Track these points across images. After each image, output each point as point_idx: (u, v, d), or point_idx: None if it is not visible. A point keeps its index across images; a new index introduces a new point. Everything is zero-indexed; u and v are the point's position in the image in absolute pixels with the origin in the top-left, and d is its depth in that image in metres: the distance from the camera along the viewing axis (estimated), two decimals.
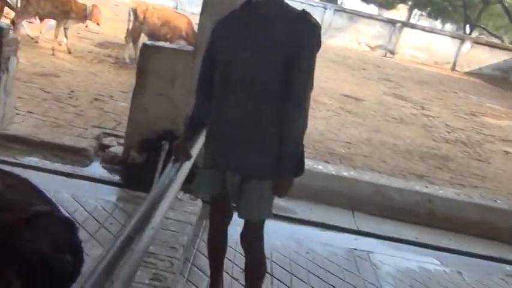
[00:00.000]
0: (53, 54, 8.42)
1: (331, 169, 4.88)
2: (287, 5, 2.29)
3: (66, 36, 9.06)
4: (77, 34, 11.17)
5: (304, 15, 2.24)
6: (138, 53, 9.27)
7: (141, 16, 9.08)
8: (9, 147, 4.42)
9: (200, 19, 4.36)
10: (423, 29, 23.20)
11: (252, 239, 2.51)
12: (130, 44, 9.33)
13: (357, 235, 4.25)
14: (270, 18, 2.22)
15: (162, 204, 2.41)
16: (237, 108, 2.27)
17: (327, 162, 5.41)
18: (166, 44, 5.04)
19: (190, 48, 4.63)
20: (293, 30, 2.19)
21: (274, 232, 3.56)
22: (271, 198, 2.41)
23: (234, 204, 2.52)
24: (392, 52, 22.18)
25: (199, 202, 3.75)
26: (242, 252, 2.65)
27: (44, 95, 6.00)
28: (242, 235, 2.55)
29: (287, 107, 2.23)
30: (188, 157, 2.59)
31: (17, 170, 3.76)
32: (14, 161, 4.18)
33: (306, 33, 2.22)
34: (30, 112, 5.25)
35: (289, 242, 3.77)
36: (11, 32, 4.49)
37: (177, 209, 3.41)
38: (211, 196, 2.64)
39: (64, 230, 2.69)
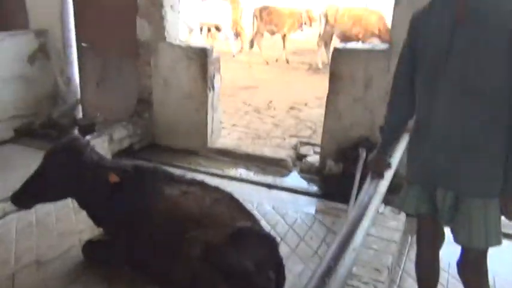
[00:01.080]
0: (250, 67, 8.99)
1: None
2: None
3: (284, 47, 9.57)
4: (269, 44, 11.76)
5: None
6: (329, 56, 9.40)
7: (332, 19, 9.03)
8: (217, 159, 4.80)
9: (394, 13, 4.02)
10: None
11: (474, 271, 2.12)
12: (323, 48, 9.38)
13: None
14: (483, 9, 1.84)
15: (362, 223, 2.22)
16: (451, 114, 1.93)
17: None
18: (358, 45, 4.80)
19: (384, 46, 4.31)
20: None
21: (495, 253, 3.01)
22: (499, 221, 1.99)
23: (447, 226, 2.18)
24: None
25: (402, 216, 3.42)
26: (457, 277, 2.28)
27: (245, 108, 6.39)
28: (460, 264, 2.17)
29: None
30: (383, 175, 2.36)
31: (223, 181, 4.09)
32: (221, 173, 4.50)
33: None
34: (235, 125, 5.64)
35: None
36: (214, 52, 4.85)
37: (378, 224, 3.16)
38: (419, 214, 2.30)
39: (266, 246, 2.70)
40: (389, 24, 8.65)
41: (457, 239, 2.09)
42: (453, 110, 1.93)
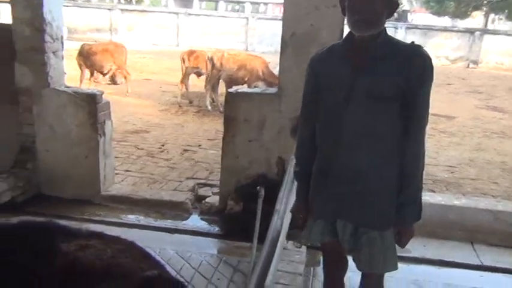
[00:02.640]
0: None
1: (439, 198, 4.48)
2: (397, 40, 2.11)
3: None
4: (159, 88, 11.78)
5: (418, 49, 2.03)
6: (217, 98, 9.65)
7: (218, 63, 9.32)
8: (113, 207, 4.58)
9: (281, 60, 4.30)
10: (506, 34, 21.81)
11: None
12: (210, 92, 9.59)
13: (481, 271, 3.80)
14: (381, 57, 2.01)
15: (274, 260, 2.28)
16: (349, 154, 2.07)
17: (432, 191, 5.02)
18: (251, 90, 5.04)
19: (273, 90, 4.56)
20: (408, 67, 1.97)
21: (390, 276, 3.26)
22: (395, 248, 2.18)
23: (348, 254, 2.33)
24: (475, 62, 21.05)
25: (303, 249, 3.57)
26: None
27: (137, 152, 6.24)
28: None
29: (407, 146, 2.03)
30: (306, 220, 2.38)
31: (122, 230, 3.91)
32: (118, 221, 4.30)
33: (423, 69, 1.99)
34: (128, 170, 5.46)
35: (409, 286, 3.44)
36: (103, 97, 4.71)
37: (283, 259, 3.25)
38: (323, 244, 2.42)
39: None
40: (271, 68, 9.26)
41: (359, 266, 2.25)
42: (352, 152, 2.06)
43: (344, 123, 2.05)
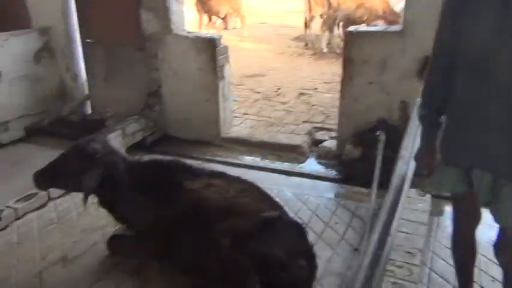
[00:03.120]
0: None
1: None
2: None
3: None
4: (274, 32, 11.69)
5: None
6: (334, 40, 9.32)
7: (335, 3, 8.92)
8: (233, 149, 4.75)
9: None
10: None
11: None
12: (327, 33, 9.28)
13: None
14: None
15: (399, 208, 2.18)
16: (501, 97, 1.79)
17: None
18: (372, 28, 4.72)
19: (397, 27, 4.22)
20: None
21: None
22: None
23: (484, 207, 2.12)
24: None
25: (427, 197, 3.38)
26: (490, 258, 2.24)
27: (254, 96, 6.33)
28: (498, 245, 2.12)
29: None
30: (433, 170, 2.17)
31: (241, 171, 4.04)
32: (238, 162, 4.46)
33: None
34: (246, 113, 5.58)
35: None
36: (222, 41, 4.78)
37: (406, 207, 3.11)
38: (455, 194, 2.23)
39: (295, 234, 2.66)
40: (392, 6, 8.62)
41: (496, 219, 2.04)
42: (500, 96, 1.80)
43: (496, 60, 1.76)
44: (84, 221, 3.38)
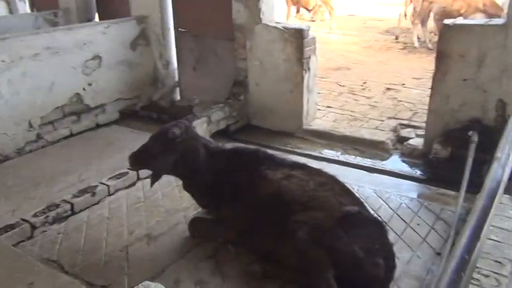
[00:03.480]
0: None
1: None
2: None
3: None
4: (363, 24, 11.40)
5: None
6: (426, 34, 8.87)
7: None
8: (313, 141, 4.71)
9: None
10: None
11: None
12: (419, 26, 8.87)
13: None
14: None
15: (490, 213, 2.03)
16: None
17: None
18: (471, 21, 4.41)
19: (500, 21, 3.93)
20: None
21: None
22: None
23: None
24: None
25: None
26: None
27: (339, 89, 6.23)
28: None
29: None
30: None
31: (322, 164, 4.01)
32: (318, 155, 4.42)
33: None
34: (329, 107, 5.51)
35: None
36: (310, 33, 4.74)
37: (497, 214, 2.91)
38: None
39: (375, 232, 2.59)
40: None
41: None
42: None
43: None
44: (167, 202, 3.55)
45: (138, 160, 2.93)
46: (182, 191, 3.24)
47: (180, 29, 5.58)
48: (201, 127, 4.45)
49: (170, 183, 3.72)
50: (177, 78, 5.81)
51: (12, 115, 4.40)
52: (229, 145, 3.49)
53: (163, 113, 5.35)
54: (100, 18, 6.42)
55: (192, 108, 5.30)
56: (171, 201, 3.56)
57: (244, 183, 2.85)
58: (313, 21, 11.70)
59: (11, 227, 3.03)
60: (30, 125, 4.58)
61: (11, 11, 7.56)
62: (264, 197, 2.73)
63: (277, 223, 2.61)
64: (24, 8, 7.53)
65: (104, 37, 5.18)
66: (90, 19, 6.46)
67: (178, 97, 5.85)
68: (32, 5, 7.39)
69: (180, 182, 3.12)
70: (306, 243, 2.43)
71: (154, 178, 2.89)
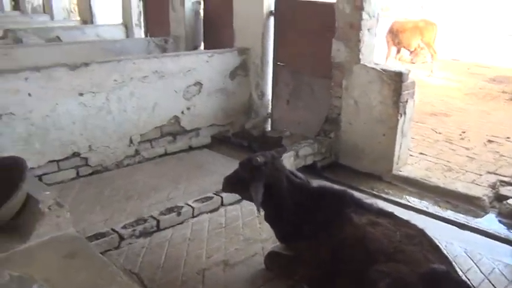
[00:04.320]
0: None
1: None
2: None
3: None
4: (467, 70, 10.89)
5: None
6: None
7: None
8: (402, 188, 4.53)
9: None
10: None
11: None
12: None
13: None
14: None
15: None
16: None
17: None
18: None
19: None
20: None
21: None
22: None
23: None
24: None
25: None
26: None
27: (435, 136, 5.97)
28: None
29: None
30: None
31: (409, 213, 3.84)
32: (405, 203, 4.24)
33: None
34: (422, 154, 5.28)
35: None
36: (410, 76, 4.63)
37: None
38: None
39: None
40: None
41: None
42: None
43: None
44: (247, 231, 3.60)
45: (228, 183, 3.07)
46: (263, 222, 3.27)
47: (278, 63, 5.73)
48: (288, 160, 4.48)
49: (252, 212, 3.77)
50: (269, 110, 5.95)
51: (116, 130, 4.77)
52: (315, 182, 3.47)
53: (253, 142, 5.48)
54: (205, 46, 6.80)
55: (282, 139, 5.37)
56: (251, 231, 3.60)
57: (327, 224, 2.81)
58: (413, 63, 11.39)
59: (102, 235, 3.25)
60: (131, 141, 4.92)
61: (127, 35, 8.28)
62: (347, 241, 2.66)
63: (357, 270, 2.53)
64: (140, 33, 8.19)
65: (207, 65, 5.47)
66: (196, 47, 6.87)
67: (269, 128, 5.97)
68: (147, 31, 8.06)
69: (262, 213, 3.15)
70: None
71: (257, 205, 2.92)
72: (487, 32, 15.08)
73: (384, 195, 4.37)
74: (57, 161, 4.41)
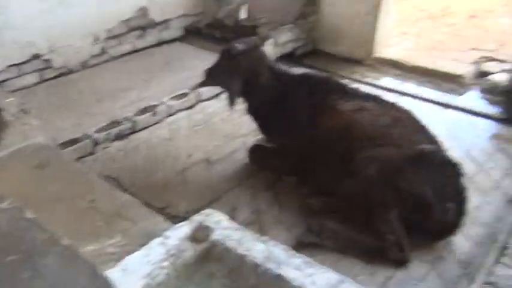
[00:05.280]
0: None
1: None
2: None
3: None
4: None
5: None
6: None
7: None
8: (384, 71, 4.39)
9: None
10: None
11: None
12: None
13: None
14: None
15: None
16: None
17: None
18: None
19: None
20: None
21: None
22: None
23: None
24: None
25: None
26: None
27: (418, 14, 5.70)
28: None
29: None
30: None
31: (391, 96, 3.74)
32: (388, 86, 4.13)
33: None
34: (405, 33, 5.08)
35: None
36: None
37: None
38: None
39: (449, 174, 2.39)
40: None
41: None
42: None
43: None
44: (227, 127, 3.49)
45: (208, 75, 2.88)
46: (242, 117, 3.15)
47: None
48: (267, 49, 4.24)
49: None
50: None
51: (79, 27, 4.33)
52: (296, 70, 3.30)
53: (226, 32, 5.15)
54: None
55: (257, 28, 5.06)
56: (231, 127, 3.49)
57: (311, 112, 2.69)
58: None
59: (74, 141, 3.08)
60: (96, 38, 4.55)
61: None
62: (332, 129, 2.57)
63: (342, 158, 2.47)
64: None
65: None
66: None
67: (243, 16, 5.59)
68: None
69: (240, 107, 3.01)
70: (373, 181, 2.29)
71: (231, 96, 2.77)
72: None
73: (365, 80, 4.23)
74: (17, 64, 4.08)
